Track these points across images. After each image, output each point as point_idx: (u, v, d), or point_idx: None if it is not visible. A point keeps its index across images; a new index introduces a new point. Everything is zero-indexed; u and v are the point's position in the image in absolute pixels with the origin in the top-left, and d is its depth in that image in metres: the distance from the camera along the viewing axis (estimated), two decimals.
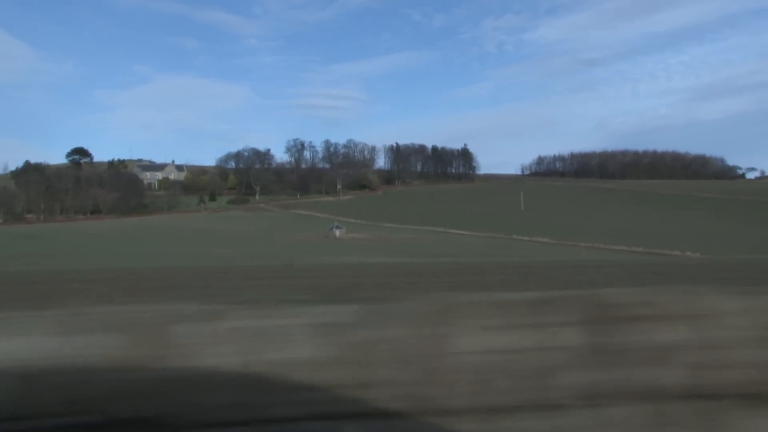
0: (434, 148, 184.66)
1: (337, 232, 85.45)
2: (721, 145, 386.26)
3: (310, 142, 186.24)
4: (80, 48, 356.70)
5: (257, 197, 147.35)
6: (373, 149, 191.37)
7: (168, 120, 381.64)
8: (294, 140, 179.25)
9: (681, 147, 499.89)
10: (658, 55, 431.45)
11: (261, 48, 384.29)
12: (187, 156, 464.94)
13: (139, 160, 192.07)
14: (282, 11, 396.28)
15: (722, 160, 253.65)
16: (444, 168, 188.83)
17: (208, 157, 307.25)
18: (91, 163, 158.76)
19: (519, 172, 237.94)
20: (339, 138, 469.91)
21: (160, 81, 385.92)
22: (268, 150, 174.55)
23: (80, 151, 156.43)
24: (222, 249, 70.80)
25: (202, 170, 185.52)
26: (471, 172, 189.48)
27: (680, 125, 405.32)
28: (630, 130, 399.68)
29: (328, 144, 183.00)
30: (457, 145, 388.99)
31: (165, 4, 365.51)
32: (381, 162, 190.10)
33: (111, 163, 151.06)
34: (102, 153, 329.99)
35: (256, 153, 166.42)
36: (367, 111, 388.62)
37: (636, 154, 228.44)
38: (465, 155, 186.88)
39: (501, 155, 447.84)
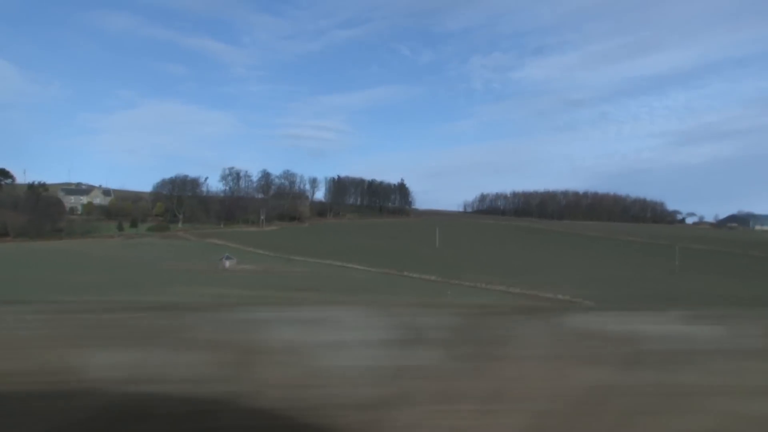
0: (370, 182, 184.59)
1: (227, 263, 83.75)
2: (698, 190, 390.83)
3: (246, 171, 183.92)
4: (66, 71, 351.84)
5: (180, 225, 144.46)
6: (314, 181, 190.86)
7: (152, 145, 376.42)
8: (229, 169, 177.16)
9: (660, 190, 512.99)
10: (642, 98, 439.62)
11: (248, 77, 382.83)
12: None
13: (78, 184, 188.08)
14: (271, 41, 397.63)
15: (662, 204, 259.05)
16: (382, 202, 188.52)
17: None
18: (13, 185, 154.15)
19: (462, 209, 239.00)
20: (322, 170, 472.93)
21: (146, 106, 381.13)
22: (205, 178, 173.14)
23: (1, 172, 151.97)
24: (92, 275, 68.48)
25: (137, 196, 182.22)
26: (406, 207, 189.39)
27: (662, 168, 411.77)
28: (613, 172, 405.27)
29: (265, 174, 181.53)
30: (432, 181, 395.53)
31: (153, 29, 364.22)
32: (321, 194, 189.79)
33: (31, 186, 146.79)
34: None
35: (187, 180, 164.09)
36: (352, 143, 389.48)
37: (576, 195, 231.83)
38: (401, 190, 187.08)
39: (464, 192, 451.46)
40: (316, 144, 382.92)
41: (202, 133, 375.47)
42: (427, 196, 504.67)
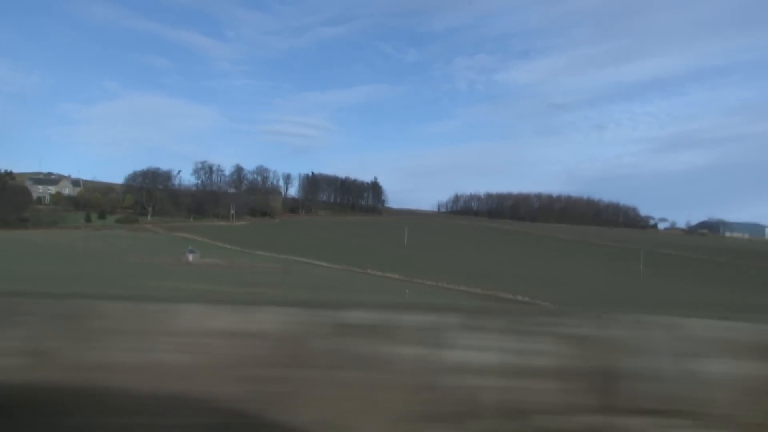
0: (344, 180, 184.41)
1: (190, 257, 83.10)
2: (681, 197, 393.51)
3: (219, 165, 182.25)
4: (48, 60, 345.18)
5: (149, 218, 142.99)
6: (288, 177, 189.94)
7: (133, 138, 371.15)
8: (202, 163, 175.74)
9: (638, 195, 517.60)
10: (625, 104, 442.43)
11: (232, 71, 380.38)
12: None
13: (48, 174, 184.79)
14: (255, 36, 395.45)
15: (635, 210, 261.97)
16: (355, 200, 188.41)
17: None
18: None
19: (436, 209, 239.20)
20: (303, 167, 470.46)
21: (128, 98, 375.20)
22: (178, 171, 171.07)
23: None
24: (47, 267, 67.34)
25: (108, 187, 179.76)
26: (379, 205, 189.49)
27: (641, 174, 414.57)
28: (593, 176, 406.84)
29: (238, 169, 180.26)
30: (412, 181, 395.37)
31: (137, 21, 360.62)
32: (295, 191, 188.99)
33: None
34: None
35: (160, 173, 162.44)
36: (334, 140, 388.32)
37: (549, 198, 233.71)
38: (374, 188, 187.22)
39: (443, 192, 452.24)
40: (299, 141, 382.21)
41: (184, 127, 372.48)
42: (406, 196, 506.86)
